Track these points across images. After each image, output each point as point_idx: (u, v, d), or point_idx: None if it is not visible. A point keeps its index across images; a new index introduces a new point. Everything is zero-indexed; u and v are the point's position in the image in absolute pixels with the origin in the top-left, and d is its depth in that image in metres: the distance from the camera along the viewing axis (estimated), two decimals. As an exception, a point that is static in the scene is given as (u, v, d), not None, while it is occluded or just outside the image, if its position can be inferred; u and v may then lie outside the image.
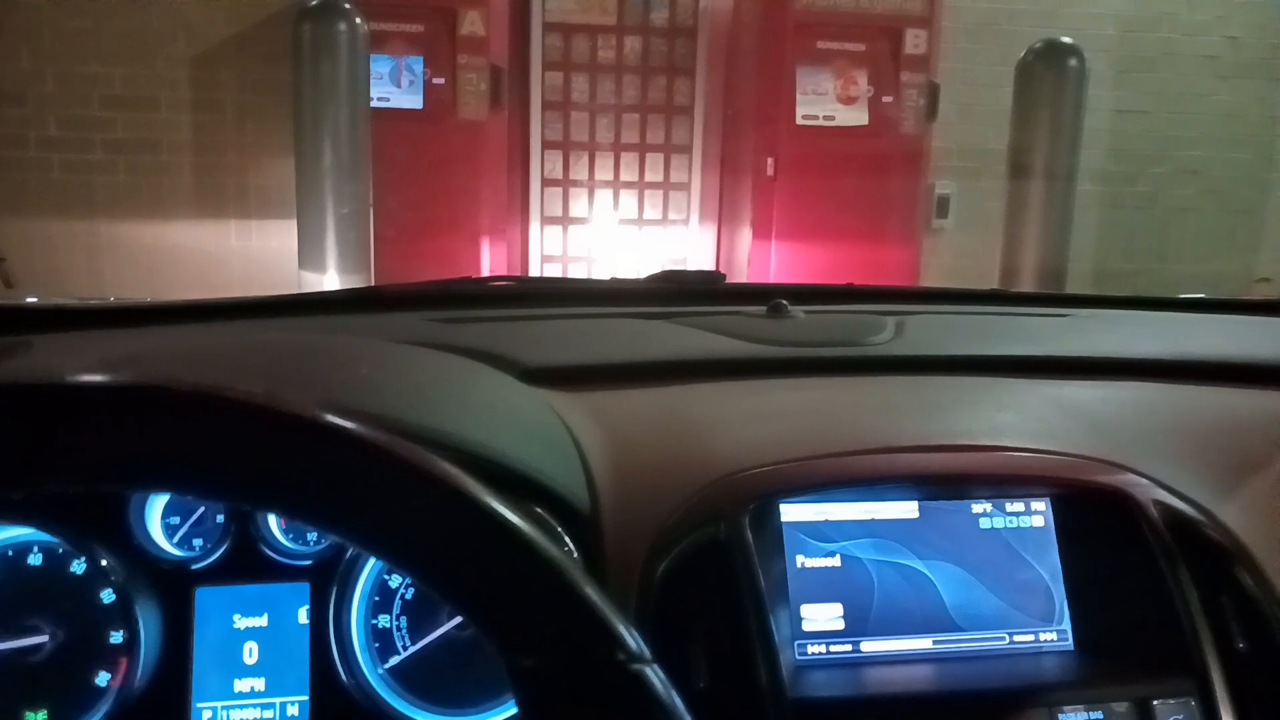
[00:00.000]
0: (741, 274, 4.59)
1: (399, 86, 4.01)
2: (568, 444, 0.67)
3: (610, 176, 4.71)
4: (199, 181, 4.38)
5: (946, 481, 0.69)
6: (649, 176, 4.74)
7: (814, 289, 1.17)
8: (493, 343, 0.81)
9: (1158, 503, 0.70)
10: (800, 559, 0.66)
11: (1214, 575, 0.68)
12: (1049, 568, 0.69)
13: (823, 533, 0.66)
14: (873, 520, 0.67)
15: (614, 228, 4.74)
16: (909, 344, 0.91)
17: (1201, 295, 1.23)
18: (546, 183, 4.66)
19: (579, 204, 4.71)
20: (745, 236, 4.51)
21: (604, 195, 4.72)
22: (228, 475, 0.42)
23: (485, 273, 4.16)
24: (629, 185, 4.73)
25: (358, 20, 2.71)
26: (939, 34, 4.21)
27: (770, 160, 4.28)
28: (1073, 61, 2.73)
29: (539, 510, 0.61)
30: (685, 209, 4.80)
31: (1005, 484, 0.70)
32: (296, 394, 0.43)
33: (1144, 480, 0.71)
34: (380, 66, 3.96)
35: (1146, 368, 0.88)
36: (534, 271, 4.68)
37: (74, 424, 0.40)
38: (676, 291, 1.10)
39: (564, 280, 1.20)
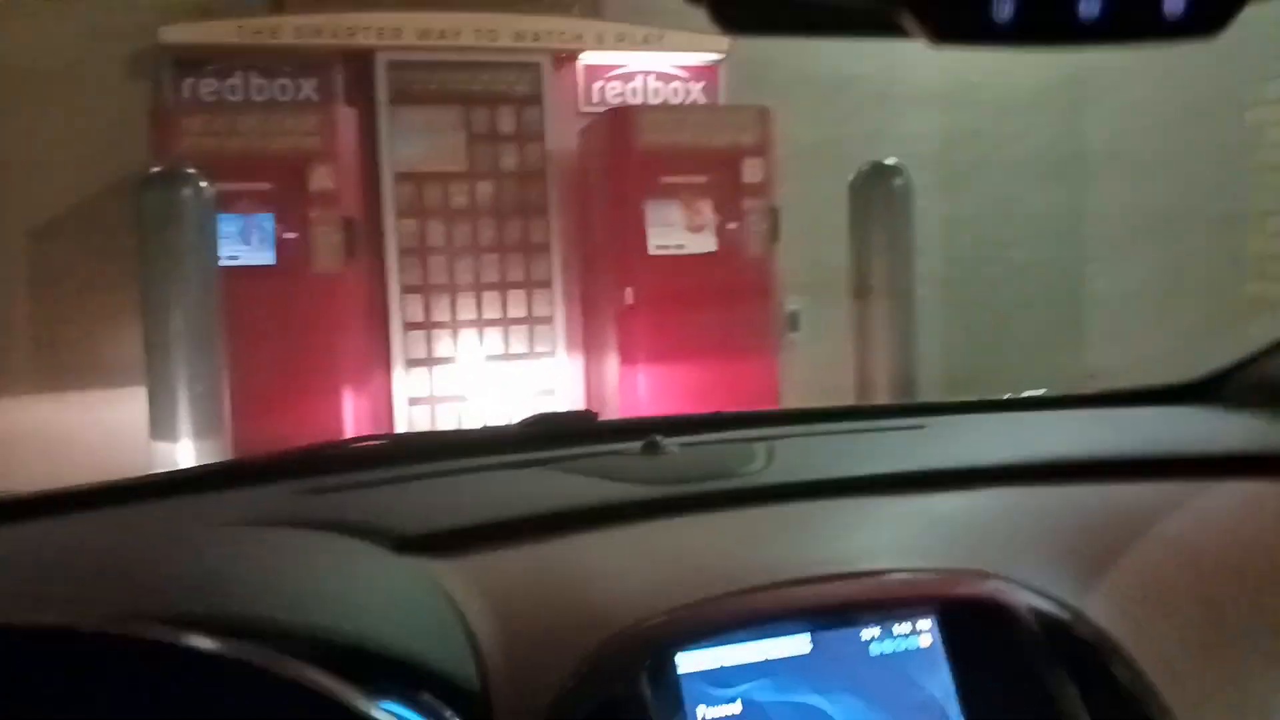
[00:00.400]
0: (612, 400, 4.63)
1: (249, 244, 3.96)
2: (449, 618, 0.65)
3: (473, 315, 4.72)
4: (38, 356, 4.16)
5: (835, 611, 0.71)
6: (512, 313, 4.78)
7: (684, 420, 1.20)
8: (363, 514, 0.79)
9: (1029, 607, 0.73)
10: (701, 710, 0.65)
11: (1089, 672, 0.70)
12: (941, 686, 0.71)
13: (721, 678, 0.66)
14: (768, 660, 0.68)
15: (481, 364, 4.73)
16: (780, 471, 0.93)
17: (1041, 393, 1.30)
18: (409, 326, 4.63)
19: (443, 344, 4.69)
20: (613, 364, 4.58)
21: (468, 334, 4.72)
22: (92, 712, 0.39)
23: (349, 422, 4.06)
24: (493, 323, 4.76)
25: (202, 184, 2.69)
26: (774, 161, 4.48)
27: (628, 290, 4.40)
28: (898, 180, 2.94)
29: (424, 698, 0.59)
30: (551, 341, 4.85)
31: (890, 607, 0.72)
32: (147, 617, 0.42)
33: (1014, 586, 0.74)
34: (230, 225, 3.90)
35: (1003, 474, 0.93)
36: (400, 415, 4.60)
37: None
38: (550, 434, 1.09)
39: (433, 434, 1.19)
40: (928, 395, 4.14)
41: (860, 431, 1.13)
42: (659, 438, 0.99)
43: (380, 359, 4.57)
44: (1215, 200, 4.39)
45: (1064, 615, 0.73)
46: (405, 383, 4.62)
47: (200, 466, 0.96)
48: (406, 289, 4.61)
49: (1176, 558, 0.84)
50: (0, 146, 4.08)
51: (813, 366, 4.80)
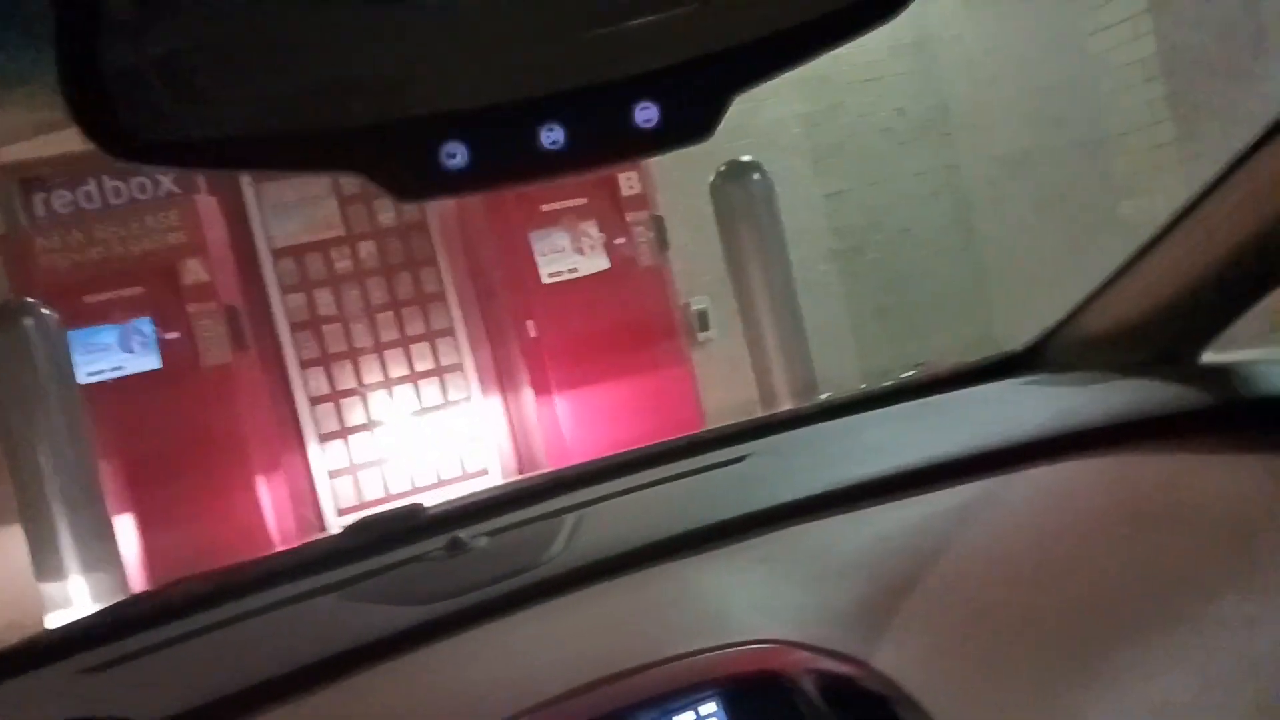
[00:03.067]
0: (535, 434, 4.60)
1: (131, 351, 3.86)
2: None
3: (380, 377, 4.66)
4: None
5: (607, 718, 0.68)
6: (419, 366, 4.72)
7: (513, 492, 1.17)
8: (110, 699, 0.75)
9: (808, 670, 0.71)
10: None
11: None
12: None
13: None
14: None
15: (398, 424, 4.66)
16: (580, 552, 0.90)
17: (867, 390, 1.29)
18: (314, 400, 4.55)
19: (355, 411, 4.62)
20: (528, 398, 4.54)
21: (378, 396, 4.65)
22: None
23: (268, 509, 3.97)
24: (401, 380, 4.69)
25: (45, 312, 2.60)
26: (647, 171, 4.48)
27: (530, 322, 4.37)
28: (756, 175, 2.95)
29: None
30: (465, 387, 4.80)
31: (666, 700, 0.70)
32: None
33: (792, 650, 0.72)
34: (107, 337, 3.81)
35: (800, 509, 0.90)
36: (323, 490, 4.51)
37: None
38: (372, 542, 1.06)
39: (244, 566, 1.14)
40: (840, 376, 4.19)
41: (679, 477, 1.12)
42: (461, 534, 0.97)
43: (293, 439, 4.48)
44: (1076, 131, 4.50)
45: (844, 671, 0.72)
46: (322, 458, 4.54)
47: (14, 645, 0.91)
48: (305, 363, 4.53)
49: (976, 571, 0.82)
50: None
51: (728, 361, 4.81)
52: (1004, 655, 0.74)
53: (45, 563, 2.40)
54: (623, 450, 1.26)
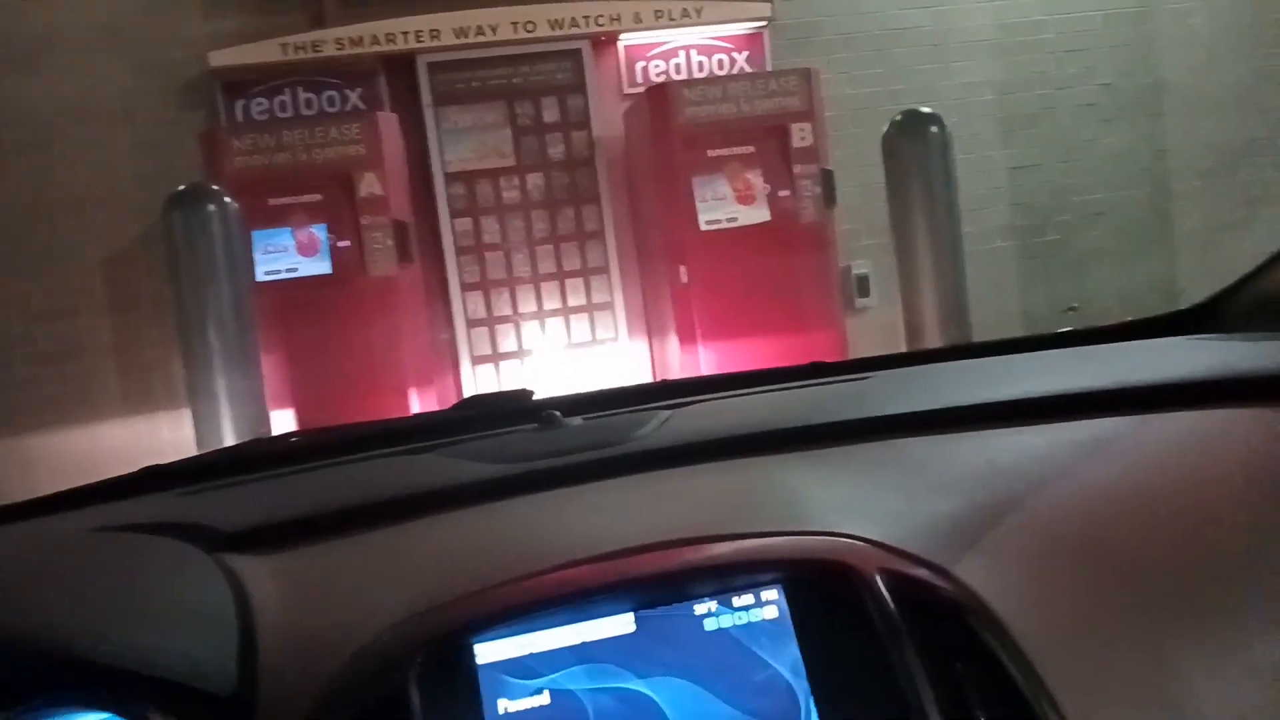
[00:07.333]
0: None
1: (306, 255, 4.06)
2: (222, 620, 0.63)
3: (534, 308, 4.75)
4: (124, 381, 4.37)
5: (658, 583, 0.65)
6: (572, 302, 4.78)
7: (621, 392, 1.15)
8: (207, 513, 0.77)
9: (884, 570, 0.66)
10: (503, 704, 0.61)
11: (949, 640, 0.63)
12: (788, 663, 0.65)
13: (527, 668, 0.62)
14: (584, 644, 0.63)
15: (546, 355, 4.75)
16: (669, 435, 0.88)
17: (1018, 336, 1.21)
18: (471, 323, 4.68)
19: (507, 338, 4.73)
20: (673, 344, 4.53)
21: (531, 326, 4.75)
22: None
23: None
24: (554, 313, 4.77)
25: (226, 200, 2.76)
26: (824, 124, 4.34)
27: (683, 268, 4.34)
28: (934, 129, 2.80)
29: (143, 710, 0.56)
30: (613, 327, 4.83)
31: (726, 575, 0.66)
32: None
33: (870, 548, 0.68)
34: (284, 239, 4.02)
35: (902, 423, 0.85)
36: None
37: None
38: (480, 416, 1.07)
39: (357, 425, 1.18)
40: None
41: (789, 389, 1.07)
42: (558, 413, 0.96)
43: (447, 358, 4.64)
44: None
45: (925, 577, 0.66)
46: (473, 379, 4.68)
47: (129, 474, 0.97)
48: (466, 286, 4.67)
49: (1093, 507, 0.75)
50: (72, 183, 4.30)
51: (884, 331, 4.65)
52: (1111, 597, 0.67)
53: (206, 440, 2.58)
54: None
